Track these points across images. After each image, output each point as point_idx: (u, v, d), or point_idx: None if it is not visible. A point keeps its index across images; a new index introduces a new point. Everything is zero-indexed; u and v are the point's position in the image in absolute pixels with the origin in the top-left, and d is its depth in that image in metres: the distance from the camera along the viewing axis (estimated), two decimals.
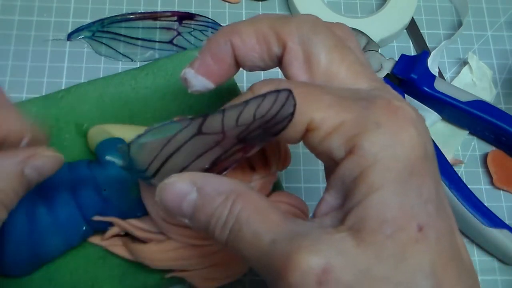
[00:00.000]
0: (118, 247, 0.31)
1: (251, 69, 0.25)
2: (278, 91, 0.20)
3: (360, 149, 0.19)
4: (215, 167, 0.23)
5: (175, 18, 0.42)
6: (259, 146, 0.24)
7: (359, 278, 0.17)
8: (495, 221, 0.35)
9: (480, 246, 0.37)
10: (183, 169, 0.22)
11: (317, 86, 0.22)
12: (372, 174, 0.19)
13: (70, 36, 0.41)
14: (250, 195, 0.20)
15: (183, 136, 0.21)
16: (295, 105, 0.20)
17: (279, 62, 0.24)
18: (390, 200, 0.18)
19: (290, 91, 0.20)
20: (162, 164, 0.22)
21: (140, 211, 0.30)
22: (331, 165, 0.21)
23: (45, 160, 0.23)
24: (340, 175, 0.20)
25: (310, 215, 0.24)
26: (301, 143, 0.22)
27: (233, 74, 0.25)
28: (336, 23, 0.25)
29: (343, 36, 0.24)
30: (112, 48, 0.41)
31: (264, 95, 0.20)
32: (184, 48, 0.41)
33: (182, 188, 0.21)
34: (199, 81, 0.24)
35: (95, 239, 0.31)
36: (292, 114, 0.20)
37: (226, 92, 0.37)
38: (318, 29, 0.23)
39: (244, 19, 0.43)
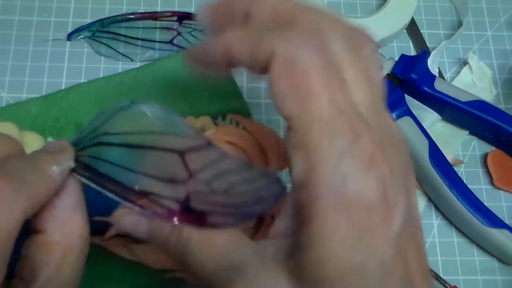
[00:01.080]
0: (118, 247, 0.31)
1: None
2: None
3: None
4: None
5: (175, 18, 0.42)
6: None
7: None
8: (495, 221, 0.35)
9: (480, 246, 0.37)
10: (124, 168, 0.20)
11: None
12: (330, 217, 0.17)
13: (70, 36, 0.41)
14: None
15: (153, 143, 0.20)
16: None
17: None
18: (343, 260, 0.17)
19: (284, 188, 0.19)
20: (96, 143, 0.20)
21: None
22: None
23: None
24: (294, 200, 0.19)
25: None
26: None
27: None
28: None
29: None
30: (112, 48, 0.41)
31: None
32: (184, 48, 0.41)
33: (134, 218, 0.22)
34: None
35: (95, 239, 0.31)
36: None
37: (226, 93, 0.37)
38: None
39: None
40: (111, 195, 0.20)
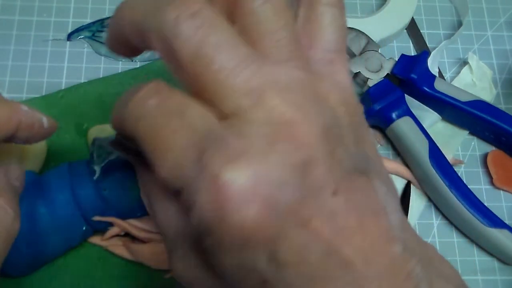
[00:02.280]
0: (118, 247, 0.31)
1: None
2: None
3: None
4: None
5: None
6: None
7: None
8: (495, 221, 0.35)
9: (480, 246, 0.37)
10: None
11: None
12: None
13: (70, 36, 0.41)
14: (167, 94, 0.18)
15: None
16: None
17: None
18: None
19: None
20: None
21: (140, 211, 0.30)
22: None
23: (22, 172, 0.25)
24: None
25: None
26: None
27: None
28: None
29: None
30: None
31: None
32: None
33: None
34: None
35: (95, 239, 0.31)
36: None
37: None
38: None
39: None
40: None
